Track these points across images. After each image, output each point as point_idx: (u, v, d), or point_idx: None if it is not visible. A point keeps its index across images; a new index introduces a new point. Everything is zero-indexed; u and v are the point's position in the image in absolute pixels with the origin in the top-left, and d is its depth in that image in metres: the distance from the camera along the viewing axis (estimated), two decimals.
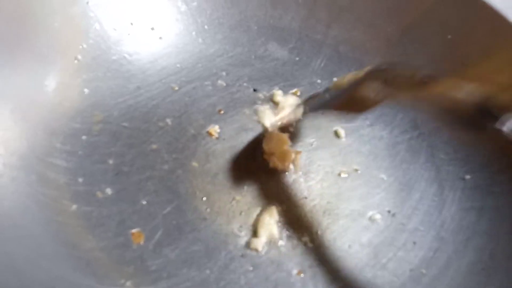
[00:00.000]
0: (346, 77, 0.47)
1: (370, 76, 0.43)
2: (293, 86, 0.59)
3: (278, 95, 0.57)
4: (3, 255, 0.33)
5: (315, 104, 0.52)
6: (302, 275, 0.43)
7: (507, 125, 0.35)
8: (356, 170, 0.51)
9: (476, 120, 0.36)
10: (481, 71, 0.54)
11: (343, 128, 0.54)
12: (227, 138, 0.52)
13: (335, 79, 0.58)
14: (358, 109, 0.45)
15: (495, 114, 0.35)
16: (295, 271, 0.43)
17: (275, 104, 0.56)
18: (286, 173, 0.49)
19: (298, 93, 0.58)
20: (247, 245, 0.44)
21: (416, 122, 0.56)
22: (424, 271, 0.43)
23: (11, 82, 0.43)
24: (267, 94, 0.57)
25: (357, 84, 0.44)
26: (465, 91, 0.36)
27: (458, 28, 0.56)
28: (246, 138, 0.52)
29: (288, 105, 0.55)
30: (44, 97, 0.47)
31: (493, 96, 0.35)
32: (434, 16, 0.58)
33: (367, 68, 0.45)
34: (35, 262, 0.35)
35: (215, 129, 0.52)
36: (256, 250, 0.43)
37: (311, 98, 0.54)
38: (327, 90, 0.50)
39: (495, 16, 0.53)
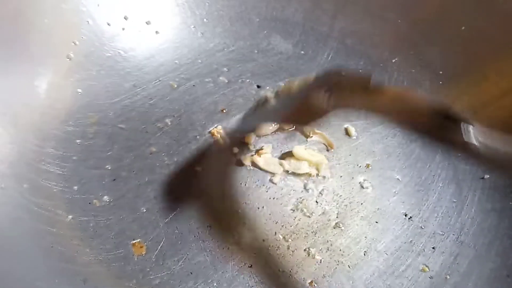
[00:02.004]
0: (295, 82, 0.43)
1: (318, 82, 0.39)
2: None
3: None
4: None
5: (261, 114, 0.48)
6: (315, 285, 0.40)
7: (474, 137, 0.32)
8: (369, 170, 0.48)
9: (433, 127, 0.34)
10: (497, 66, 0.52)
11: (354, 125, 0.51)
12: (230, 139, 0.49)
13: (281, 83, 0.55)
14: (306, 119, 0.41)
15: (454, 122, 0.33)
16: (307, 282, 0.40)
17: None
18: (296, 177, 0.47)
19: None
20: None
21: None
22: (445, 278, 0.41)
23: None
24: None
25: (307, 91, 0.40)
26: (419, 99, 0.34)
27: (472, 21, 0.53)
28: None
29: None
30: (34, 99, 0.44)
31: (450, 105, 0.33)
32: (446, 9, 0.55)
33: (314, 74, 0.41)
34: (30, 283, 0.32)
35: (217, 129, 0.49)
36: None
37: (258, 105, 0.50)
38: (276, 94, 0.47)
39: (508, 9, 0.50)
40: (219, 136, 0.49)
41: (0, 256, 0.32)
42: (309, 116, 0.39)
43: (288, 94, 0.43)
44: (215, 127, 0.49)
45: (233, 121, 0.50)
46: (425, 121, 0.33)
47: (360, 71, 0.58)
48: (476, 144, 0.33)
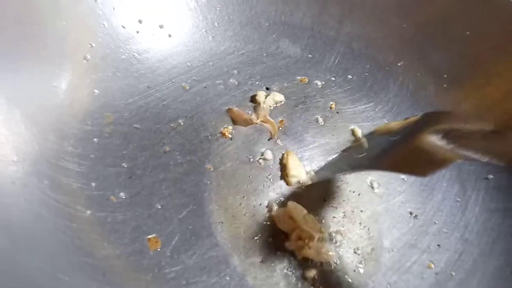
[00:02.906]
0: (393, 123, 0.40)
1: (429, 124, 0.33)
2: (307, 84, 0.58)
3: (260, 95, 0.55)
4: (21, 268, 0.32)
5: (356, 162, 0.45)
6: (325, 282, 0.41)
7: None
8: (375, 171, 0.49)
9: None
10: (500, 69, 0.53)
11: (360, 127, 0.53)
12: (241, 139, 0.50)
13: (286, 84, 0.56)
14: (421, 170, 0.33)
15: None
16: (315, 277, 0.41)
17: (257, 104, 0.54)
18: (304, 176, 0.48)
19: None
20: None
21: None
22: (450, 274, 0.42)
23: (20, 85, 0.42)
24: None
25: (413, 134, 0.34)
26: None
27: (477, 25, 0.54)
28: (261, 138, 0.51)
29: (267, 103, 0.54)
30: (53, 99, 0.45)
31: None
32: (450, 13, 0.56)
33: (420, 115, 0.37)
34: (52, 275, 0.33)
35: (228, 129, 0.51)
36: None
37: (347, 151, 0.48)
38: (370, 137, 0.43)
39: None
40: (230, 136, 0.50)
41: (23, 250, 0.34)
42: (422, 165, 0.33)
43: (386, 134, 0.41)
44: (225, 127, 0.51)
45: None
46: None
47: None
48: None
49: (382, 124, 0.47)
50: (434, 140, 0.32)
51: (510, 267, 0.42)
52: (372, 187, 0.48)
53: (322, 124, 0.53)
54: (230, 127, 0.51)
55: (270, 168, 0.48)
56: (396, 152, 0.37)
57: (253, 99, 0.54)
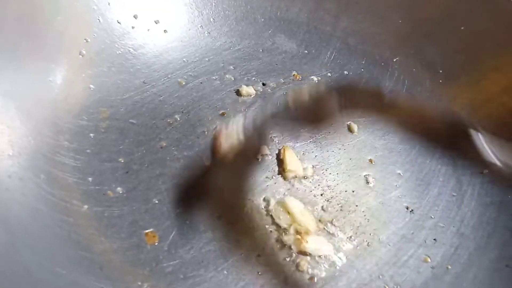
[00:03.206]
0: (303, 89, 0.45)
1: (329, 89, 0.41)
2: (303, 80, 0.58)
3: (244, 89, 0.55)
4: (19, 265, 0.32)
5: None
6: (320, 275, 0.41)
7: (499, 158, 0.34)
8: (372, 165, 0.50)
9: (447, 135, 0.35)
10: (495, 64, 0.54)
11: (356, 122, 0.53)
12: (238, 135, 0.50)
13: (282, 80, 0.57)
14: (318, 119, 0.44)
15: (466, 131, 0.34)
16: (312, 271, 0.42)
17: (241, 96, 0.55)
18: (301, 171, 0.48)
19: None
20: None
21: None
22: (446, 268, 0.42)
23: (15, 79, 0.41)
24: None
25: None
26: (432, 112, 0.35)
27: (472, 20, 0.55)
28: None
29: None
30: (49, 93, 0.45)
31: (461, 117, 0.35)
32: (446, 8, 0.57)
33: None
34: (50, 269, 0.33)
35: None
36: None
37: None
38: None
39: (509, 8, 0.52)
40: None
41: (22, 244, 0.34)
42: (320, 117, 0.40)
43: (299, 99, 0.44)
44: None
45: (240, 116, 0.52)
46: (438, 132, 0.35)
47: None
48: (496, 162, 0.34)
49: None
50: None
51: (505, 260, 0.42)
52: (368, 182, 0.48)
53: (318, 119, 0.53)
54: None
55: (267, 163, 0.48)
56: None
57: (238, 92, 0.54)
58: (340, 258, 0.43)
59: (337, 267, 0.42)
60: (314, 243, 0.42)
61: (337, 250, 0.43)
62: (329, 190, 0.47)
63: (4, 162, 0.37)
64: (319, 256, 0.42)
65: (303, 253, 0.42)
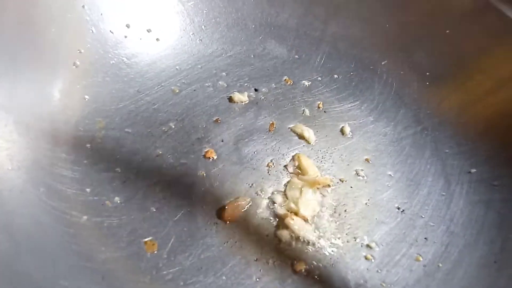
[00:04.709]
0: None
1: None
2: (294, 84, 0.59)
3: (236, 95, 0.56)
4: (24, 274, 0.32)
5: None
6: (317, 278, 0.43)
7: None
8: (363, 167, 0.51)
9: None
10: (481, 66, 0.55)
11: (349, 125, 0.54)
12: (232, 141, 0.51)
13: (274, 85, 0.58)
14: None
15: None
16: (308, 273, 0.43)
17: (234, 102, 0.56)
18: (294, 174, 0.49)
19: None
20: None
21: (418, 116, 0.56)
22: (437, 266, 0.44)
23: (12, 92, 0.42)
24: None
25: None
26: None
27: (457, 23, 0.56)
28: (252, 140, 0.52)
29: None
30: (45, 106, 0.45)
31: None
32: (432, 12, 0.58)
33: None
34: (54, 281, 0.34)
35: (211, 151, 0.51)
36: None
37: None
38: None
39: (493, 11, 0.54)
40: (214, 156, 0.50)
41: (25, 256, 0.34)
42: None
43: None
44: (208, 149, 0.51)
45: (233, 123, 0.53)
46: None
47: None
48: None
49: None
50: None
51: (494, 256, 0.44)
52: (358, 175, 0.50)
53: (311, 123, 0.54)
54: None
55: (259, 169, 0.49)
56: None
57: (230, 99, 0.55)
58: (335, 259, 0.44)
59: (332, 268, 0.43)
60: (299, 223, 0.44)
61: (331, 252, 0.44)
62: (322, 193, 0.48)
63: (5, 177, 0.37)
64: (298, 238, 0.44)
65: (285, 226, 0.44)
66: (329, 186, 0.48)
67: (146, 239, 0.42)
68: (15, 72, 0.43)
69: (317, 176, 0.49)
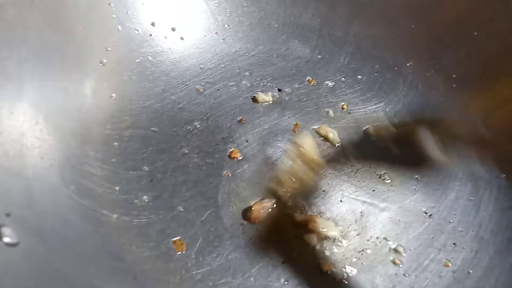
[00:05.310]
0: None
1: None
2: (317, 85, 0.58)
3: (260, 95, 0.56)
4: (59, 275, 0.32)
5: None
6: (345, 281, 0.42)
7: None
8: (388, 171, 0.50)
9: None
10: (508, 69, 0.54)
11: (373, 127, 0.54)
12: (256, 141, 0.51)
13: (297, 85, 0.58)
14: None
15: None
16: (338, 278, 0.42)
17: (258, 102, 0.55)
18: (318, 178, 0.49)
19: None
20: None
21: None
22: (468, 272, 0.43)
23: (42, 91, 0.42)
24: None
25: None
26: None
27: (485, 25, 0.56)
28: (277, 140, 0.52)
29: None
30: (74, 104, 0.45)
31: None
32: (459, 13, 0.58)
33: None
34: (87, 281, 0.34)
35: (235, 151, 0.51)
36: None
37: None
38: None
39: None
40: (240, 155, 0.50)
41: (58, 257, 0.34)
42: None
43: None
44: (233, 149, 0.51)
45: (258, 123, 0.53)
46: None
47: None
48: None
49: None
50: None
51: None
52: (385, 184, 0.49)
53: (335, 124, 0.54)
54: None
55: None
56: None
57: (254, 99, 0.55)
58: (362, 264, 0.43)
59: (359, 273, 0.43)
60: (323, 224, 0.45)
61: (359, 255, 0.44)
62: (348, 197, 0.48)
63: (37, 175, 0.37)
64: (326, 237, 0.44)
65: (311, 230, 0.44)
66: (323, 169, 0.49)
67: (174, 239, 0.42)
68: (44, 70, 0.42)
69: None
